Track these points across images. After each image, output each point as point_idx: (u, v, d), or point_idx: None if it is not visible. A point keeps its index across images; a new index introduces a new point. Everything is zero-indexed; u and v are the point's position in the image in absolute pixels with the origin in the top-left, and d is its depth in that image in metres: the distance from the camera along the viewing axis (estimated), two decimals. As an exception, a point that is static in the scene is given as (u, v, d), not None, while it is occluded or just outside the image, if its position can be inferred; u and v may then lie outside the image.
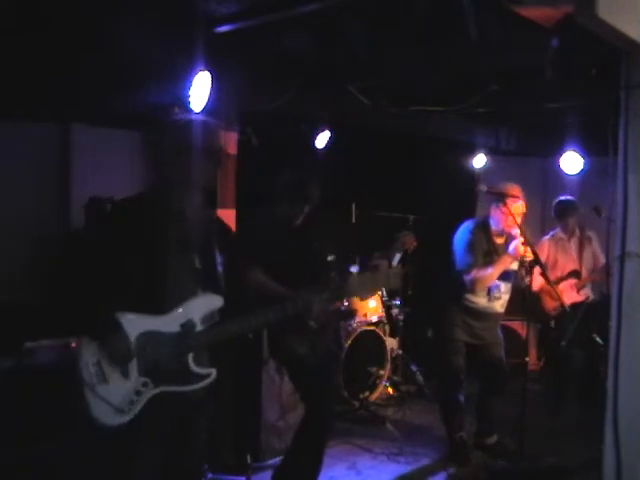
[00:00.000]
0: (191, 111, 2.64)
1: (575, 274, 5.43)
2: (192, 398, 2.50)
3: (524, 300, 4.48)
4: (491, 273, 4.20)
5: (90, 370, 2.34)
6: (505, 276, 4.33)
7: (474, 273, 4.21)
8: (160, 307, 2.42)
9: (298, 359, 3.50)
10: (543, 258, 5.40)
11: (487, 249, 4.32)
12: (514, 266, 4.36)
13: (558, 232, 5.54)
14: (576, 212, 5.45)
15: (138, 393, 2.38)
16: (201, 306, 2.51)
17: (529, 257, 4.06)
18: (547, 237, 5.59)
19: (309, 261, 3.54)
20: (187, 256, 2.51)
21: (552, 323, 5.31)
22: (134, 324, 2.38)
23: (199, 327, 2.49)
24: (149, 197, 2.58)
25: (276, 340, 3.59)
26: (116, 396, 2.35)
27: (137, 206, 2.52)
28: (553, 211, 5.58)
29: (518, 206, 4.25)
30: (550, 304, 5.26)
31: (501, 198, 4.22)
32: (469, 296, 4.34)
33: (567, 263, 5.45)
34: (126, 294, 2.39)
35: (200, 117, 2.61)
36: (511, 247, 4.19)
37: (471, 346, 4.43)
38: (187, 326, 2.46)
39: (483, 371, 4.54)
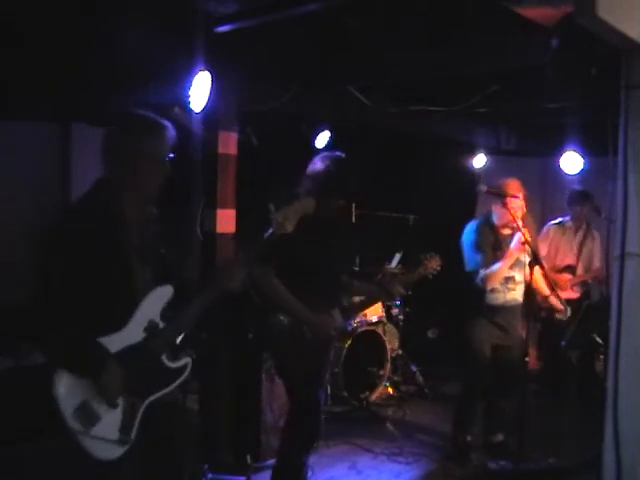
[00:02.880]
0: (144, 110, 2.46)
1: (570, 269, 5.42)
2: (177, 394, 2.50)
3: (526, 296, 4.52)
4: (500, 268, 4.26)
5: (77, 418, 2.20)
6: (518, 266, 4.35)
7: (483, 272, 4.27)
8: (120, 320, 2.30)
9: (290, 360, 3.47)
10: (546, 245, 5.41)
11: (495, 243, 4.36)
12: (524, 258, 4.39)
13: (567, 220, 5.52)
14: (587, 202, 5.40)
15: (129, 416, 2.30)
16: (155, 303, 2.38)
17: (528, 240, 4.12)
18: (553, 223, 5.55)
19: (332, 260, 3.48)
20: (138, 262, 2.38)
21: (543, 313, 5.30)
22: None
23: (162, 324, 2.38)
24: (85, 206, 2.40)
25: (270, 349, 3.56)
26: (112, 430, 2.26)
27: (76, 222, 2.33)
28: (567, 199, 5.57)
29: (517, 202, 4.28)
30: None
31: (501, 198, 4.25)
32: (488, 296, 4.36)
33: (566, 255, 5.44)
34: (90, 315, 2.23)
35: (147, 116, 2.43)
36: (513, 242, 4.24)
37: (494, 347, 4.42)
38: (150, 329, 2.35)
39: (501, 372, 4.50)
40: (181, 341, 2.52)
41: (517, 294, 4.44)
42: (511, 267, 4.33)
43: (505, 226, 4.38)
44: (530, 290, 4.19)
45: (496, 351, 4.43)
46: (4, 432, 3.53)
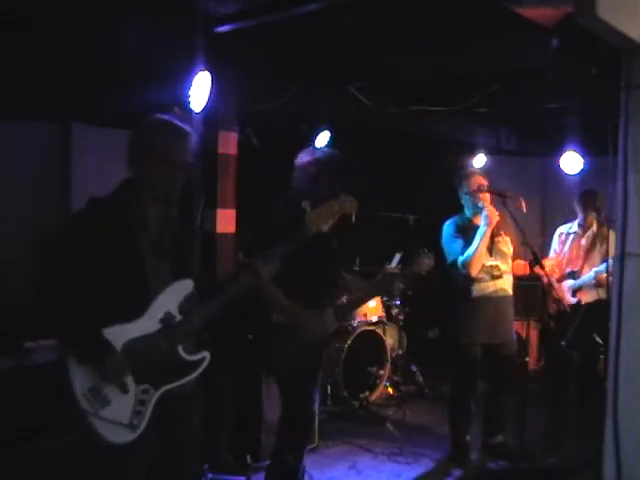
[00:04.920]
0: (170, 113, 2.50)
1: (572, 275, 5.26)
2: (188, 389, 2.48)
3: (528, 295, 4.52)
4: (477, 248, 4.24)
5: (88, 399, 2.27)
6: (500, 255, 4.39)
7: (462, 256, 4.27)
8: (135, 311, 2.36)
9: (286, 367, 3.45)
10: (555, 252, 5.29)
11: (471, 233, 4.34)
12: (505, 249, 4.42)
13: (575, 224, 5.24)
14: (599, 205, 5.05)
15: (142, 402, 2.35)
16: (174, 296, 2.44)
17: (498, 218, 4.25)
18: (562, 230, 5.31)
19: (328, 258, 3.46)
20: (155, 257, 2.44)
21: (551, 323, 5.22)
22: (117, 336, 2.33)
23: (179, 317, 2.44)
24: (108, 201, 2.45)
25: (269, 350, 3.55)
26: (123, 413, 2.31)
27: (97, 214, 2.41)
28: (577, 201, 5.25)
29: (479, 178, 4.39)
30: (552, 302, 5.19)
31: (501, 197, 4.28)
32: (475, 287, 4.34)
33: (571, 261, 5.22)
34: (100, 306, 2.31)
35: (172, 120, 2.50)
36: (482, 217, 4.27)
37: (485, 346, 4.41)
38: (167, 320, 2.41)
39: (496, 371, 4.51)
40: (200, 334, 2.55)
41: (505, 284, 4.40)
42: (492, 255, 4.34)
43: (478, 213, 4.38)
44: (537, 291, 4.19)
45: (488, 350, 4.41)
46: (4, 432, 3.53)
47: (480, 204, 4.30)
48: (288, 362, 3.37)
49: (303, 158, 3.51)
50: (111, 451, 2.31)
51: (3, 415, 3.54)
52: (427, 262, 3.77)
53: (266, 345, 3.54)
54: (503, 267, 4.40)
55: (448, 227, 4.47)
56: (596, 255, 5.08)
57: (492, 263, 4.35)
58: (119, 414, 2.31)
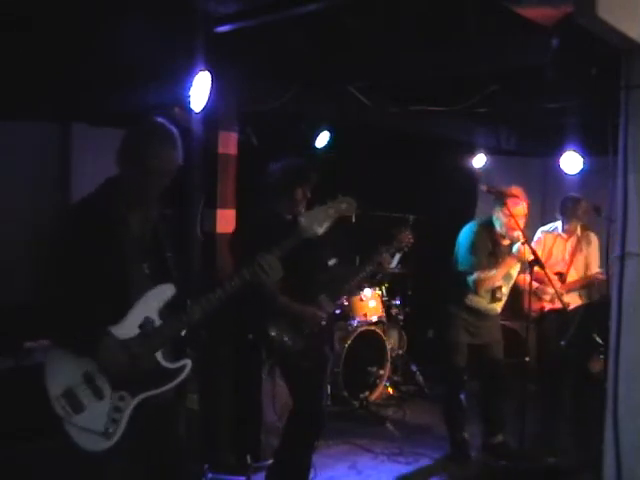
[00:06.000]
0: (158, 117, 2.47)
1: (559, 276, 5.16)
2: (167, 397, 2.44)
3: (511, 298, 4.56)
4: (495, 275, 4.26)
5: (62, 403, 2.25)
6: (507, 279, 4.42)
7: (477, 274, 4.24)
8: (114, 315, 2.33)
9: (292, 359, 3.50)
10: (539, 252, 5.26)
11: (491, 250, 4.34)
12: (513, 271, 4.42)
13: (558, 229, 5.20)
14: (581, 213, 5.05)
15: (118, 409, 2.30)
16: (154, 301, 2.39)
17: (529, 259, 4.12)
18: (544, 229, 5.26)
19: (311, 261, 3.50)
20: (135, 260, 2.41)
21: (530, 326, 5.16)
22: None
23: (158, 322, 2.38)
24: (90, 202, 2.44)
25: (272, 341, 3.58)
26: (97, 421, 2.27)
27: (79, 215, 2.41)
28: (559, 207, 5.21)
29: (520, 208, 4.26)
30: (534, 305, 5.12)
31: (501, 198, 4.24)
32: (471, 297, 4.36)
33: (556, 263, 5.16)
34: (85, 308, 2.29)
35: (163, 127, 2.46)
36: (514, 249, 4.25)
37: (472, 346, 4.45)
38: (146, 326, 2.36)
39: (483, 371, 4.56)
40: (182, 342, 2.50)
41: (498, 306, 4.47)
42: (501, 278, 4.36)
43: (505, 236, 4.34)
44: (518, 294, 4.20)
45: (474, 351, 4.45)
46: (4, 432, 3.53)
47: (516, 234, 4.20)
48: (297, 367, 3.42)
49: (275, 169, 3.61)
50: (88, 458, 2.28)
51: (3, 415, 3.54)
52: (406, 239, 3.83)
53: (273, 355, 3.59)
54: (505, 290, 4.43)
55: (472, 235, 4.37)
56: (581, 258, 5.08)
57: (498, 284, 4.36)
58: (93, 422, 2.27)
